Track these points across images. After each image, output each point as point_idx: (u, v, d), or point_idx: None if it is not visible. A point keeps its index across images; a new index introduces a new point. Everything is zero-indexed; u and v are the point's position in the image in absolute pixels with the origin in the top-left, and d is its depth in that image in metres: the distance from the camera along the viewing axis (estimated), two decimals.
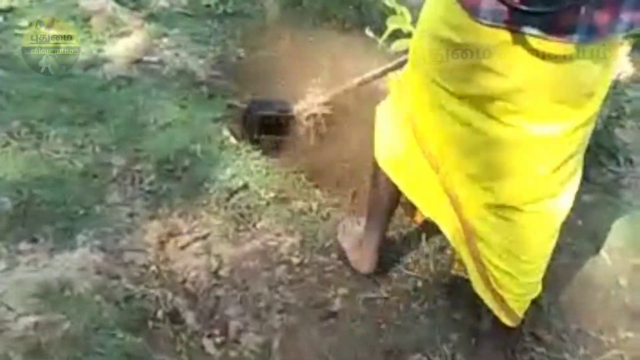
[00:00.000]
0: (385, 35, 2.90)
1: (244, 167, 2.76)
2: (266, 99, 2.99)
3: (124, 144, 2.82)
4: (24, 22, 3.52)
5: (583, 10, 1.52)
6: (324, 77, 2.95)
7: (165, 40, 3.48)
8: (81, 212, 2.51)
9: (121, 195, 2.62)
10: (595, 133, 2.60)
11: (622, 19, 1.57)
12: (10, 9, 3.65)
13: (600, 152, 2.83)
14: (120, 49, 3.38)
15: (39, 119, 2.89)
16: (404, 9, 2.84)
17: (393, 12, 2.88)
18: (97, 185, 2.65)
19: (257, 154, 2.83)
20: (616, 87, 2.82)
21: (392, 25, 2.79)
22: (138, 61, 3.31)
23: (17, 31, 3.46)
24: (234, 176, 2.71)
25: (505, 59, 1.65)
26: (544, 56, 1.62)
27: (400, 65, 2.67)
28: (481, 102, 1.76)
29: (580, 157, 1.91)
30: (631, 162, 2.85)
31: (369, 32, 2.88)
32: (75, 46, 3.38)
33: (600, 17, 1.55)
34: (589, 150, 2.58)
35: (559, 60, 1.62)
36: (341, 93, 2.87)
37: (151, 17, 3.71)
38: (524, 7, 1.54)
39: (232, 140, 2.89)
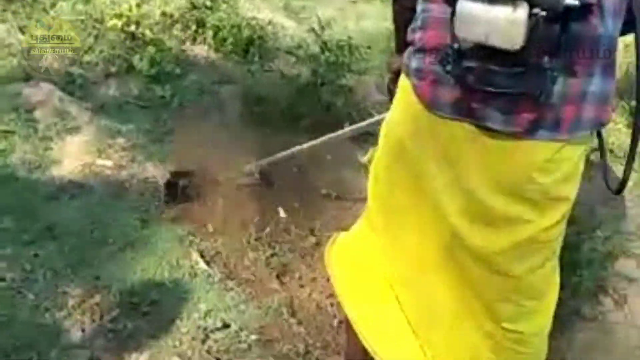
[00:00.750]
0: (369, 155, 2.74)
1: (219, 300, 2.48)
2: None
3: (80, 269, 2.51)
4: None
5: (543, 98, 1.46)
6: None
7: (119, 139, 3.16)
8: (34, 358, 2.16)
9: (79, 335, 2.29)
10: (593, 270, 2.50)
11: (585, 116, 1.52)
12: None
13: (596, 289, 2.70)
14: (71, 149, 3.07)
15: None
16: (372, 119, 2.73)
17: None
18: (50, 322, 2.31)
19: (231, 283, 2.56)
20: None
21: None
22: (91, 164, 2.98)
23: None
24: (209, 312, 2.42)
25: (464, 151, 1.59)
26: (499, 145, 1.55)
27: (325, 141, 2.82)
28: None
29: (555, 264, 1.76)
30: (625, 297, 2.74)
31: (361, 159, 2.70)
32: (18, 144, 3.03)
33: (566, 112, 1.50)
34: (582, 286, 2.50)
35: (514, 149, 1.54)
36: (265, 166, 2.93)
37: (101, 110, 3.41)
38: (483, 88, 1.48)
39: (202, 265, 2.61)
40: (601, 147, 1.75)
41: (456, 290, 1.78)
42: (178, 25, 4.09)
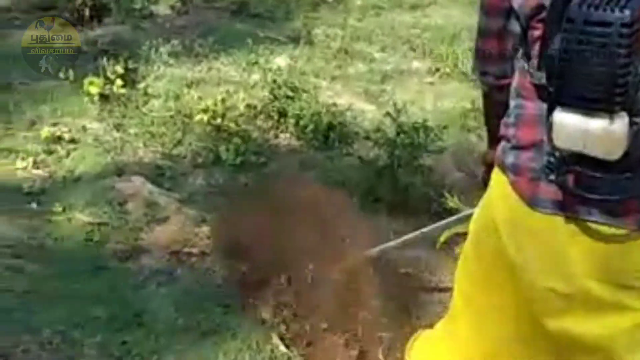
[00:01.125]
0: (444, 236, 2.74)
1: None
2: None
3: (166, 355, 2.59)
4: (57, 207, 3.35)
5: None
6: None
7: (204, 228, 3.29)
8: None
9: None
10: None
11: None
12: (42, 192, 3.50)
13: None
14: (159, 238, 3.21)
15: (72, 325, 2.66)
16: (467, 211, 2.69)
17: (456, 211, 2.74)
18: None
19: None
20: None
21: (457, 229, 2.62)
22: (178, 252, 3.11)
23: (50, 217, 3.29)
24: None
25: (566, 244, 1.54)
26: (606, 240, 1.50)
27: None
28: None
29: None
30: None
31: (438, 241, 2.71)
32: (110, 235, 3.20)
33: None
34: None
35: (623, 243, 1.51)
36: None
37: (188, 200, 3.57)
38: (587, 195, 1.44)
39: (282, 348, 2.64)
40: None
41: None
42: (261, 116, 4.27)
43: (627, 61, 1.27)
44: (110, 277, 2.96)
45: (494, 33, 1.66)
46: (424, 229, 2.92)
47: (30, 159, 3.71)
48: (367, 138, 3.98)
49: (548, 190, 1.52)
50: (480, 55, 1.74)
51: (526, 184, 1.57)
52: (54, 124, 4.06)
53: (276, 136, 4.17)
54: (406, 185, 3.51)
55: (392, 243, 2.94)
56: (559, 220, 1.53)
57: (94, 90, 4.30)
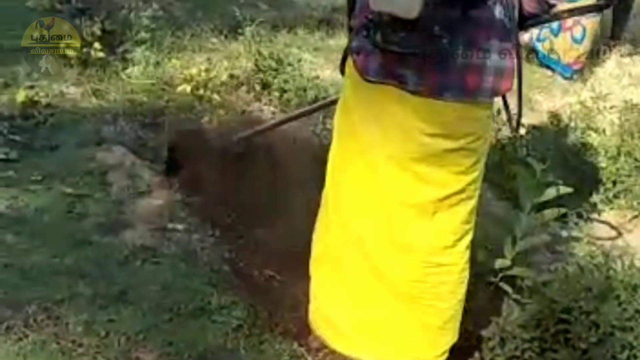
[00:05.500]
0: None
1: None
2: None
3: (153, 335, 2.54)
4: (36, 176, 3.25)
5: (453, 72, 1.95)
6: None
7: (190, 203, 3.23)
8: None
9: None
10: None
11: (486, 85, 1.99)
12: (19, 159, 3.39)
13: None
14: (142, 213, 3.14)
15: (57, 301, 2.59)
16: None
17: None
18: None
19: (301, 350, 2.57)
20: None
21: None
22: (163, 228, 3.05)
23: (29, 186, 3.19)
24: None
25: (384, 108, 2.07)
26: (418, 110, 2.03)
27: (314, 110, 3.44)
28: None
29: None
30: None
31: None
32: (92, 207, 3.12)
33: (470, 79, 1.96)
34: None
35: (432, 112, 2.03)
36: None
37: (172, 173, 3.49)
38: (393, 48, 1.91)
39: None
40: (505, 105, 2.19)
41: None
42: (244, 88, 4.18)
43: None
44: (93, 251, 2.88)
45: None
46: (304, 109, 3.50)
47: (6, 123, 3.57)
48: None
49: (375, 59, 1.98)
50: None
51: (363, 59, 2.01)
52: (30, 87, 3.91)
53: (260, 109, 4.09)
54: None
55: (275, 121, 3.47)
56: (389, 89, 1.99)
57: (70, 52, 4.15)
